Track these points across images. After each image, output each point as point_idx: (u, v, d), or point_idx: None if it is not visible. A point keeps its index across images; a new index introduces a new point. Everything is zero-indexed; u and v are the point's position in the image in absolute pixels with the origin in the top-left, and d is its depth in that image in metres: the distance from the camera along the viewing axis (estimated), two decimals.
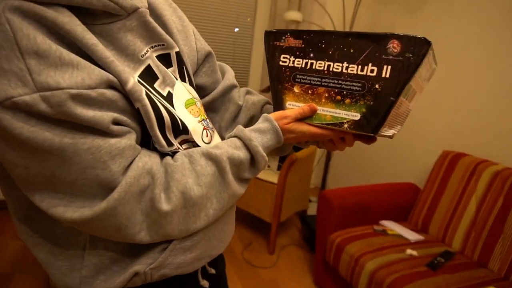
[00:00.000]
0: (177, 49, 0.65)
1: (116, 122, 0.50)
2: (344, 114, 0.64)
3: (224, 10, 2.60)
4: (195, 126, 0.62)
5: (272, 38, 0.68)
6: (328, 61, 0.64)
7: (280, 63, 0.68)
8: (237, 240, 2.34)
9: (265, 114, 0.65)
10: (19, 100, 0.41)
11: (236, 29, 2.64)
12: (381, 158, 2.46)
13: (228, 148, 0.59)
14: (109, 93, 0.48)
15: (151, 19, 0.58)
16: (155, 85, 0.58)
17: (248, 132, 0.62)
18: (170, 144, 0.57)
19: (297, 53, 0.66)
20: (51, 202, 0.49)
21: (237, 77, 2.79)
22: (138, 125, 0.54)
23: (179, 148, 0.58)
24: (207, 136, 0.65)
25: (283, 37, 0.67)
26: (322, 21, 2.54)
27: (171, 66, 0.64)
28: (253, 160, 0.61)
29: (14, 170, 0.47)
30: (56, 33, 0.45)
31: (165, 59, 0.62)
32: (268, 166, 2.34)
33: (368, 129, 0.62)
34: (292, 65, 0.66)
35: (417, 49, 0.57)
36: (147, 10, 0.58)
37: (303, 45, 0.65)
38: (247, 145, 0.60)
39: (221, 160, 0.57)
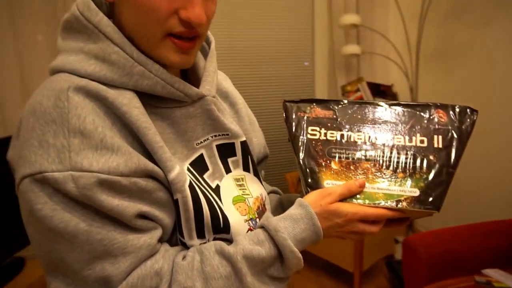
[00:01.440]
0: (243, 139, 0.63)
1: (142, 215, 0.48)
2: (400, 191, 0.55)
3: (281, 51, 2.60)
4: (239, 224, 0.57)
5: (295, 109, 0.60)
6: (368, 132, 0.57)
7: (309, 136, 0.59)
8: None
9: (300, 198, 0.56)
10: (50, 176, 0.42)
11: (306, 63, 2.61)
12: (476, 192, 2.16)
13: (247, 243, 0.51)
14: (143, 183, 0.47)
15: (215, 108, 0.57)
16: (205, 176, 0.56)
17: (275, 220, 0.53)
18: (202, 236, 0.53)
19: (328, 124, 0.58)
20: (56, 283, 0.47)
21: None
22: (171, 217, 0.52)
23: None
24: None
25: (308, 108, 0.59)
26: (385, 50, 2.40)
27: (235, 155, 0.62)
28: (281, 255, 0.52)
29: (32, 243, 0.47)
30: (113, 113, 0.47)
31: (228, 149, 0.61)
32: None
33: (431, 206, 0.54)
34: (325, 138, 0.58)
35: (465, 117, 0.54)
36: (214, 99, 0.58)
37: (335, 115, 0.58)
38: (272, 237, 0.52)
39: (235, 260, 0.50)
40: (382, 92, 2.21)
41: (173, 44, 0.50)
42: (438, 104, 0.55)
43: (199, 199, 0.52)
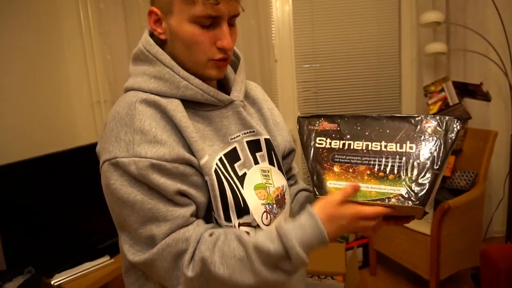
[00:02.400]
0: (266, 136, 0.78)
1: (181, 193, 0.65)
2: (390, 189, 0.64)
3: (366, 51, 2.60)
4: (257, 207, 0.71)
5: (306, 123, 0.72)
6: (365, 141, 0.67)
7: (317, 145, 0.71)
8: None
9: (309, 208, 0.65)
10: (120, 161, 0.62)
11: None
12: None
13: (261, 237, 0.63)
14: (182, 168, 0.64)
15: (243, 110, 0.75)
16: (235, 165, 0.72)
17: (287, 226, 0.63)
18: (228, 219, 0.68)
19: (333, 135, 0.69)
20: (124, 240, 0.67)
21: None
22: (205, 197, 0.68)
23: (234, 227, 0.68)
24: (266, 218, 0.73)
25: (317, 122, 0.71)
26: (480, 48, 2.22)
27: (261, 150, 0.77)
28: (289, 255, 0.62)
29: (110, 210, 0.68)
30: (166, 117, 0.66)
31: (255, 144, 0.76)
32: None
33: (417, 201, 0.61)
34: (329, 146, 0.70)
35: (451, 127, 0.61)
36: (241, 103, 0.76)
37: (338, 128, 0.69)
38: (282, 239, 0.61)
39: (248, 247, 0.63)
40: (471, 92, 2.06)
41: (213, 65, 0.69)
42: (428, 116, 0.62)
43: (223, 184, 0.67)
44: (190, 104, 0.70)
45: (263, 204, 0.73)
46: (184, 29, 0.65)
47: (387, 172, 0.64)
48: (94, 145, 2.04)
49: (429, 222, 2.00)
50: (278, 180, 0.78)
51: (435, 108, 2.11)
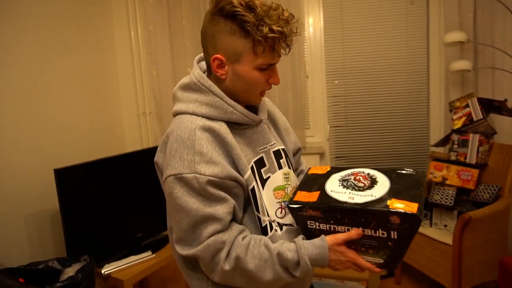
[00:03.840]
0: (282, 147, 0.99)
1: (224, 201, 0.83)
2: (371, 259, 0.83)
3: (395, 68, 2.71)
4: (272, 205, 0.90)
5: (296, 210, 0.86)
6: (346, 226, 0.81)
7: (309, 226, 0.86)
8: None
9: (323, 235, 0.84)
10: (184, 176, 0.80)
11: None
12: None
13: (284, 247, 0.83)
14: (229, 183, 0.83)
15: (266, 127, 0.96)
16: (262, 170, 0.92)
17: (302, 242, 0.83)
18: (263, 213, 0.88)
19: (320, 220, 0.83)
20: (176, 239, 0.86)
21: (417, 132, 2.75)
22: (241, 204, 0.87)
23: (270, 222, 0.88)
24: (281, 212, 0.92)
25: (304, 209, 0.84)
26: (508, 65, 2.28)
27: (282, 157, 0.97)
28: (299, 263, 0.82)
29: (168, 213, 0.88)
30: (218, 140, 0.84)
31: (278, 153, 0.97)
32: (445, 226, 2.18)
33: (390, 268, 0.84)
34: (319, 228, 0.84)
35: (413, 223, 0.73)
36: (267, 121, 0.98)
37: (322, 215, 0.82)
38: (298, 251, 0.82)
39: (272, 253, 0.82)
40: (496, 108, 2.12)
41: (260, 95, 0.90)
42: (393, 211, 0.73)
43: (255, 193, 0.87)
44: (231, 124, 0.89)
45: (278, 202, 0.92)
46: (248, 73, 0.84)
47: (367, 248, 0.81)
48: (140, 152, 2.36)
49: (451, 232, 2.06)
50: (295, 180, 0.99)
51: (459, 123, 2.19)
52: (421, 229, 2.18)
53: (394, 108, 2.76)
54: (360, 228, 0.78)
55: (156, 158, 0.91)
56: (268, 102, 1.07)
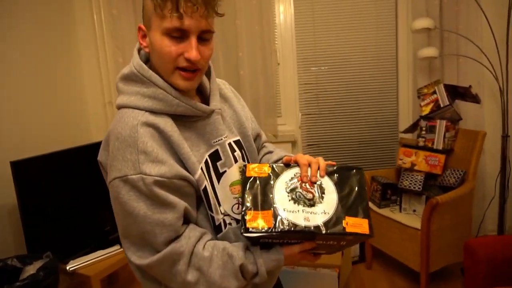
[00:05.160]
0: (236, 138, 0.93)
1: (174, 206, 0.76)
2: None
3: (365, 55, 2.72)
4: (229, 200, 0.86)
5: (252, 238, 0.81)
6: (300, 242, 0.82)
7: (261, 241, 0.82)
8: (386, 287, 2.27)
9: (279, 247, 0.81)
10: (129, 178, 0.73)
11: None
12: None
13: (246, 259, 0.79)
14: (178, 182, 0.77)
15: (219, 118, 0.89)
16: (218, 163, 0.86)
17: (260, 254, 0.80)
18: (216, 212, 0.83)
19: (274, 239, 0.80)
20: (127, 247, 0.79)
21: (386, 119, 2.78)
22: (193, 204, 0.81)
23: (223, 219, 0.84)
24: (237, 209, 0.87)
25: (261, 237, 0.81)
26: (472, 53, 2.33)
27: (235, 150, 0.91)
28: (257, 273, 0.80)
29: (116, 219, 0.80)
30: (162, 137, 0.77)
31: (231, 146, 0.91)
32: (414, 211, 2.23)
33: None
34: (271, 241, 0.82)
35: (364, 238, 0.80)
36: (219, 111, 0.89)
37: (277, 236, 0.79)
38: (256, 263, 0.80)
39: (235, 263, 0.78)
40: (461, 94, 2.17)
41: (179, 75, 0.78)
42: (350, 232, 0.77)
43: (208, 192, 0.82)
44: (179, 117, 0.81)
45: (235, 198, 0.87)
46: (156, 40, 0.75)
47: (318, 250, 0.88)
48: None
49: (420, 217, 2.11)
50: None
51: (427, 109, 2.22)
52: (391, 215, 2.22)
53: (364, 95, 2.78)
54: (316, 241, 0.81)
55: (99, 157, 0.84)
56: (224, 86, 1.01)
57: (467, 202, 2.12)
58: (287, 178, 0.85)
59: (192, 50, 0.75)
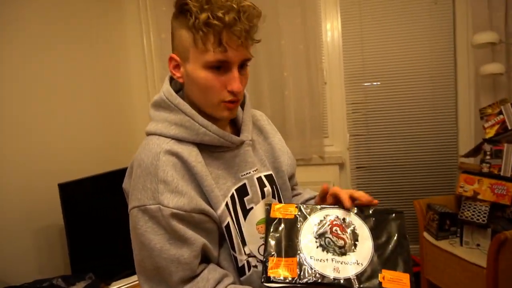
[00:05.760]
0: (267, 173, 0.86)
1: (192, 243, 0.70)
2: None
3: (419, 71, 2.54)
4: (255, 240, 0.79)
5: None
6: None
7: None
8: None
9: None
10: (148, 208, 0.69)
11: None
12: None
13: None
14: (197, 216, 0.71)
15: (250, 149, 0.83)
16: (245, 199, 0.80)
17: None
18: (241, 254, 0.76)
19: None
20: (143, 282, 0.74)
21: (444, 142, 2.56)
22: (214, 242, 0.75)
23: (248, 260, 0.77)
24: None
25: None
26: None
27: (265, 186, 0.85)
28: None
29: (133, 248, 0.75)
30: (185, 167, 0.73)
31: (262, 181, 0.84)
32: (478, 245, 1.98)
33: None
34: None
35: None
36: (250, 142, 0.84)
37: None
38: None
39: None
40: None
41: (224, 107, 0.75)
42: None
43: (230, 230, 0.75)
44: (206, 147, 0.77)
45: (262, 238, 0.80)
46: (198, 74, 0.72)
47: None
48: None
49: (485, 253, 1.87)
50: None
51: (491, 132, 2.00)
52: (450, 248, 2.00)
53: (418, 115, 2.58)
54: None
55: (124, 184, 0.81)
56: (261, 117, 0.95)
57: None
58: (315, 221, 0.76)
59: (235, 82, 0.72)
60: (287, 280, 0.69)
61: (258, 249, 0.79)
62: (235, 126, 0.88)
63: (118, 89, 2.67)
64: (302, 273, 0.69)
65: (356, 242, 0.73)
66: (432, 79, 2.53)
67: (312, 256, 0.71)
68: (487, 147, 2.02)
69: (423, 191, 2.61)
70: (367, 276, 0.68)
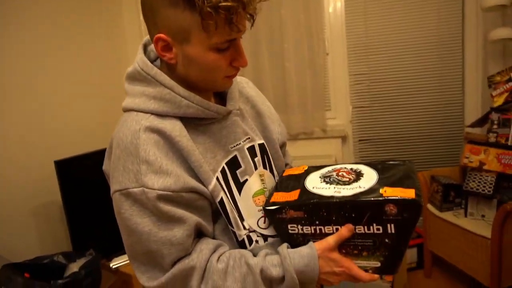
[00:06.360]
0: (260, 141, 0.81)
1: (183, 222, 0.66)
2: (366, 263, 0.70)
3: (424, 40, 2.44)
4: (253, 213, 0.75)
5: (274, 212, 0.71)
6: (335, 225, 0.68)
7: (290, 231, 0.71)
8: None
9: (311, 242, 0.70)
10: (131, 191, 0.64)
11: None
12: None
13: (266, 262, 0.68)
14: (187, 196, 0.67)
15: (239, 119, 0.77)
16: (238, 172, 0.75)
17: (287, 252, 0.69)
18: (239, 228, 0.72)
19: (303, 221, 0.69)
20: (136, 267, 0.70)
21: (449, 112, 2.49)
22: (208, 219, 0.71)
23: (249, 235, 0.73)
24: (264, 222, 0.76)
25: (284, 211, 0.70)
26: None
27: (256, 156, 0.79)
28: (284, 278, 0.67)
29: (121, 234, 0.71)
30: (169, 143, 0.67)
31: (253, 150, 0.79)
32: (483, 216, 1.95)
33: (390, 272, 0.72)
34: (302, 232, 0.70)
35: (412, 211, 0.62)
36: (237, 112, 0.78)
37: (305, 215, 0.68)
38: (282, 263, 0.67)
39: (255, 272, 0.67)
40: None
41: (228, 79, 0.72)
42: (389, 199, 0.62)
43: (225, 206, 0.71)
44: (191, 120, 0.71)
45: (260, 210, 0.75)
46: (205, 57, 0.65)
47: (360, 250, 0.69)
48: None
49: (490, 224, 1.84)
50: (270, 182, 0.81)
51: (500, 100, 1.92)
52: (454, 219, 1.97)
53: (423, 85, 2.50)
54: (351, 225, 0.67)
55: (104, 166, 0.76)
56: (246, 84, 0.89)
57: None
58: (323, 171, 0.77)
59: (242, 57, 0.68)
60: (286, 202, 0.69)
61: (258, 222, 0.75)
62: (220, 96, 0.82)
63: (114, 65, 2.60)
64: (302, 197, 0.69)
65: (360, 177, 0.71)
66: (438, 46, 2.43)
67: (315, 186, 0.71)
68: (494, 116, 1.95)
69: (427, 163, 2.56)
70: (368, 192, 0.66)
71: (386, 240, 0.66)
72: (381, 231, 0.65)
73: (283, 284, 0.67)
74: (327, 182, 0.71)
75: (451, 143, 2.52)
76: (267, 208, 0.71)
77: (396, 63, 2.52)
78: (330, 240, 0.67)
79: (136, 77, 0.71)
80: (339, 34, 2.58)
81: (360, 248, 0.68)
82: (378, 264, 0.69)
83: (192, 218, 0.67)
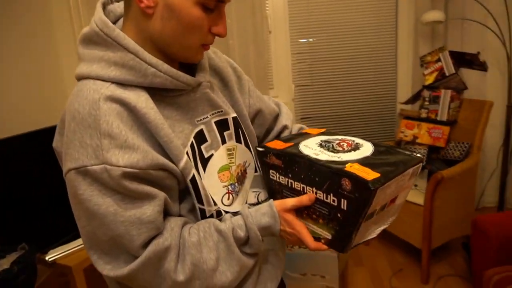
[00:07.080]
0: (234, 115, 0.76)
1: (152, 197, 0.61)
2: (320, 232, 0.70)
3: (361, 21, 2.54)
4: (218, 190, 0.71)
5: (261, 155, 0.75)
6: (302, 183, 0.69)
7: (271, 176, 0.75)
8: (386, 264, 2.20)
9: (271, 200, 0.71)
10: (90, 169, 0.56)
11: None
12: None
13: (233, 224, 0.67)
14: (154, 173, 0.60)
15: (209, 91, 0.71)
16: (202, 147, 0.70)
17: (249, 211, 0.69)
18: (210, 204, 0.69)
19: (280, 171, 0.72)
20: (96, 259, 0.63)
21: (384, 90, 2.64)
22: (174, 198, 0.67)
23: (216, 210, 0.70)
24: (228, 199, 0.72)
25: (268, 155, 0.73)
26: (479, 17, 2.17)
27: (228, 129, 0.75)
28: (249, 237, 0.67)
29: (77, 221, 0.63)
30: (134, 115, 0.60)
31: (223, 124, 0.74)
32: (415, 186, 2.12)
33: (338, 249, 0.70)
34: (279, 180, 0.73)
35: (362, 192, 0.60)
36: (208, 84, 0.71)
37: (282, 165, 0.71)
38: (245, 222, 0.67)
39: (227, 236, 0.65)
40: (468, 61, 2.02)
41: (201, 50, 0.66)
42: (347, 172, 0.61)
43: (196, 183, 0.66)
44: (157, 91, 0.64)
45: (225, 186, 0.72)
46: (189, 11, 0.59)
47: (318, 216, 0.69)
48: None
49: (422, 192, 2.01)
50: (241, 156, 0.77)
51: (431, 78, 2.08)
52: None
53: (361, 65, 2.62)
54: (314, 189, 0.67)
55: (54, 143, 0.67)
56: (215, 54, 0.82)
57: (472, 176, 2.02)
58: (331, 137, 0.77)
59: (223, 24, 0.62)
60: (273, 148, 0.72)
61: (222, 199, 0.72)
62: (186, 68, 0.74)
63: (42, 43, 2.32)
64: (286, 149, 0.72)
65: (352, 151, 0.70)
66: (374, 28, 2.55)
67: (306, 145, 0.72)
68: (426, 93, 2.11)
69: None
70: (336, 162, 0.64)
71: (338, 215, 0.66)
72: (335, 203, 0.65)
73: (249, 242, 0.68)
74: (321, 146, 0.71)
75: (386, 120, 2.70)
76: (257, 148, 0.75)
77: (336, 43, 2.59)
78: (288, 202, 0.69)
79: (94, 40, 0.62)
80: (282, 12, 2.57)
81: (318, 214, 0.69)
82: (330, 237, 0.69)
83: (161, 193, 0.62)
